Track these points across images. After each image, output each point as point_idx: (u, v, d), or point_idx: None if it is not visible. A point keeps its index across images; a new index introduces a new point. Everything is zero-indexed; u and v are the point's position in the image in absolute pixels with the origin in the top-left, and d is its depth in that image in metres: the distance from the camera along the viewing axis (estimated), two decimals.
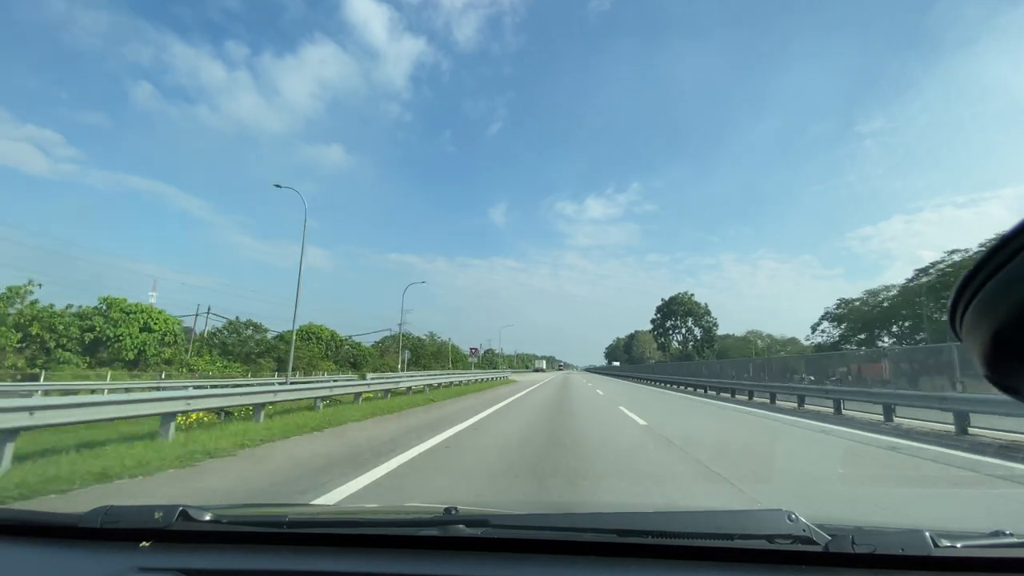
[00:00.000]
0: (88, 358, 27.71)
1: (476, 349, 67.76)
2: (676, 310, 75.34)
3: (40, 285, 25.88)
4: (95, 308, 29.84)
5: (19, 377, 22.29)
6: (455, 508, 1.31)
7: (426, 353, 58.47)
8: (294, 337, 22.56)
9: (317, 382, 19.95)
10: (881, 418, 11.50)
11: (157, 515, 1.26)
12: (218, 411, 10.59)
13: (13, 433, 5.42)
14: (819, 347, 51.87)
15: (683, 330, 75.10)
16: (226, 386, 14.01)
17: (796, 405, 15.30)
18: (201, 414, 10.06)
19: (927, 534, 1.07)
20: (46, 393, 17.21)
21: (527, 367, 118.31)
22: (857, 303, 49.64)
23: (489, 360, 74.72)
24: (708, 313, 74.49)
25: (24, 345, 24.31)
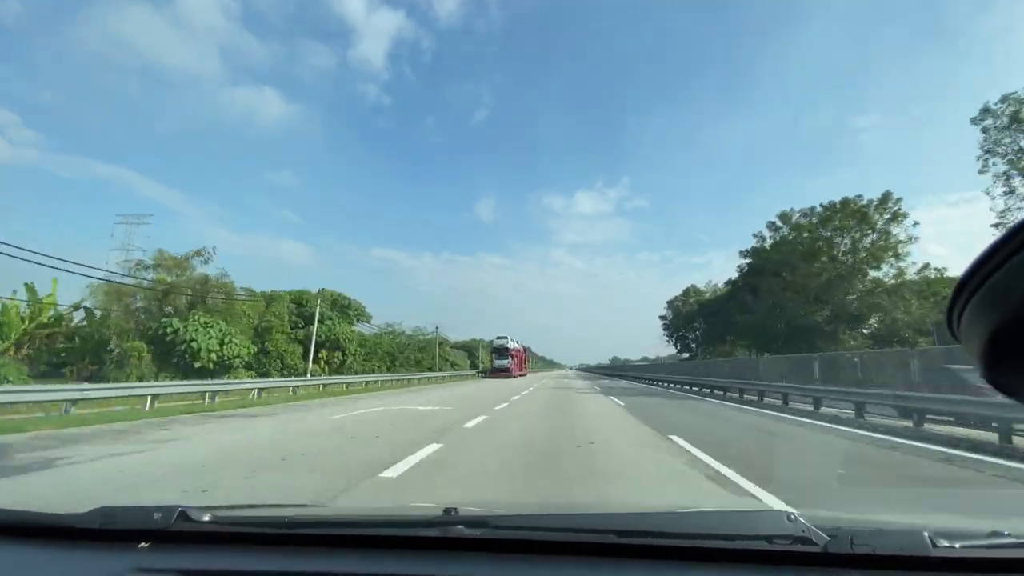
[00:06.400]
0: None
1: None
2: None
3: None
4: None
5: None
6: (455, 509, 1.31)
7: None
8: None
9: None
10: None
11: (156, 516, 1.25)
12: None
13: None
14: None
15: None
16: None
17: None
18: None
19: (926, 534, 1.08)
20: None
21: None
22: None
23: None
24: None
25: None
